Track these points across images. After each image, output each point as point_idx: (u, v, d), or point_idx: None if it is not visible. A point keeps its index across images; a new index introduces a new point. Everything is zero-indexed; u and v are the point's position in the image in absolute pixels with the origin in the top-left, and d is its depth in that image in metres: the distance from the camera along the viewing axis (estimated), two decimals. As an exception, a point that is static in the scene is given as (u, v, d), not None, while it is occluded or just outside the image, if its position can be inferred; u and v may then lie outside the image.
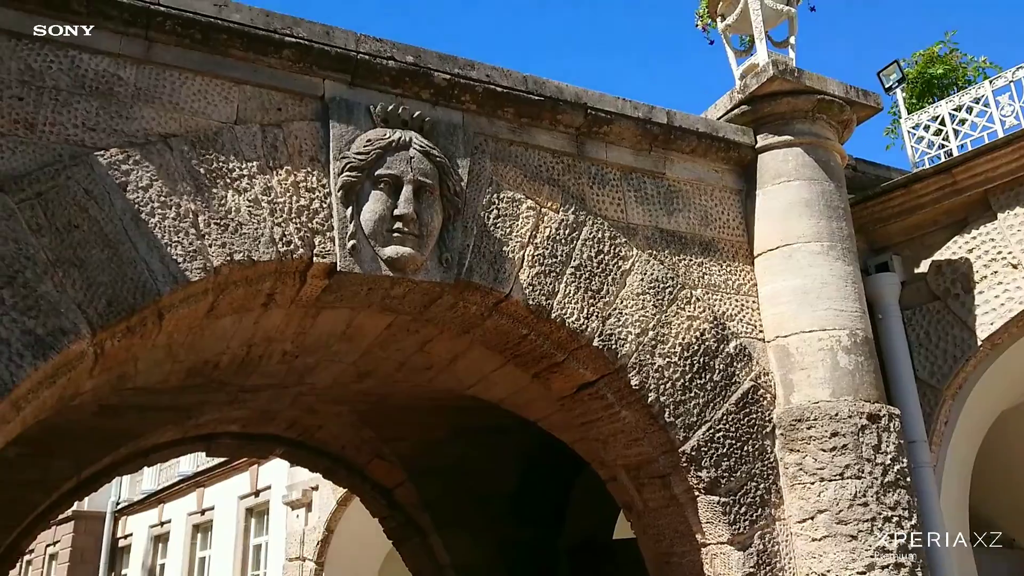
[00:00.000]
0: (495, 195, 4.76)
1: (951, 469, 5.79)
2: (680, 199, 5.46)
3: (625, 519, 5.88)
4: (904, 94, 9.27)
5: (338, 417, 7.88)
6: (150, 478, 20.48)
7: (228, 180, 4.10)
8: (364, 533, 11.00)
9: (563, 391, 5.21)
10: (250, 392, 6.72)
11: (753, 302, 5.44)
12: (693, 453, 4.87)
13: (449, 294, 4.62)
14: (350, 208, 4.32)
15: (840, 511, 4.81)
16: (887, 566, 4.73)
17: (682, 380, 4.97)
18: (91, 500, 19.02)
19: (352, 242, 4.28)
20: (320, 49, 4.42)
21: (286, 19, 4.38)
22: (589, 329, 4.81)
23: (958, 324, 5.70)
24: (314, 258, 4.22)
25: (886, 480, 4.90)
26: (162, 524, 20.21)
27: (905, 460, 5.07)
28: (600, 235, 5.02)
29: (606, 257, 5.00)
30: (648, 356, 4.92)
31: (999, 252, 5.61)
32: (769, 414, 5.16)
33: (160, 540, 20.56)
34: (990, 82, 7.26)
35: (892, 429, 5.05)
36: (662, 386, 4.90)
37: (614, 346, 4.85)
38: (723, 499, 4.84)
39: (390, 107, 4.51)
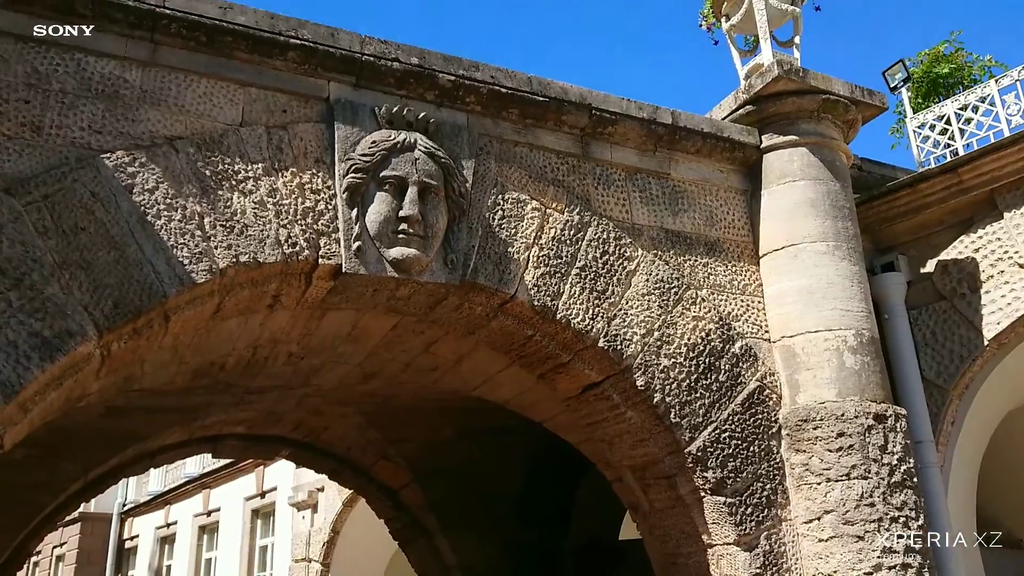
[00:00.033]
0: (500, 196, 4.76)
1: (958, 469, 5.78)
2: (685, 199, 5.45)
3: (631, 520, 5.87)
4: (909, 93, 9.24)
5: (344, 418, 7.89)
6: (156, 480, 20.54)
7: (234, 182, 4.11)
8: (370, 534, 11.01)
9: (569, 392, 5.21)
10: (256, 393, 6.73)
11: (759, 302, 5.43)
12: (699, 454, 4.86)
13: (454, 295, 4.62)
14: (355, 210, 4.32)
15: (847, 511, 4.79)
16: (894, 566, 4.72)
17: (688, 381, 4.96)
18: (98, 502, 19.11)
19: (357, 243, 4.28)
20: (325, 51, 4.42)
21: (291, 21, 4.39)
22: (594, 330, 4.80)
23: (964, 324, 5.69)
24: (319, 260, 4.23)
25: (893, 480, 4.89)
26: (168, 525, 20.26)
27: (912, 460, 5.06)
28: (605, 236, 5.02)
29: (611, 258, 4.99)
30: (654, 357, 4.91)
31: (1005, 251, 5.59)
32: (775, 414, 5.15)
33: (166, 541, 20.61)
34: (996, 81, 7.24)
35: (899, 429, 5.04)
36: (668, 387, 4.90)
37: (619, 347, 4.84)
38: (729, 500, 4.84)
39: (395, 108, 4.52)
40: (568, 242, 4.89)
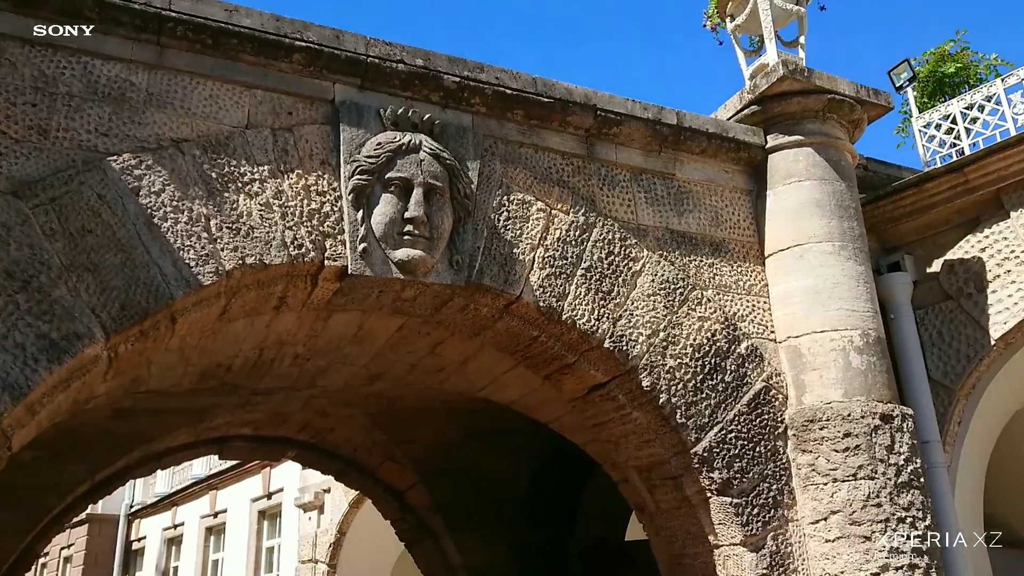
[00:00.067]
0: (505, 197, 4.77)
1: (965, 470, 5.76)
2: (690, 200, 5.45)
3: (637, 520, 5.87)
4: (915, 93, 9.22)
5: (350, 420, 7.90)
6: (163, 481, 20.60)
7: (240, 184, 4.12)
8: (376, 535, 11.01)
9: (574, 393, 5.21)
10: (262, 395, 6.74)
11: (764, 302, 5.42)
12: (705, 454, 4.86)
13: (460, 296, 4.63)
14: (361, 211, 4.33)
15: (853, 512, 4.78)
16: (901, 567, 4.71)
17: (693, 381, 4.96)
18: (105, 503, 19.16)
19: (363, 245, 4.29)
20: (330, 53, 4.43)
21: (296, 23, 4.41)
22: (600, 330, 4.80)
23: (971, 324, 5.67)
24: (325, 261, 4.24)
25: (900, 481, 4.88)
26: (175, 527, 20.31)
27: (919, 460, 5.05)
28: (610, 236, 5.02)
29: (616, 258, 4.99)
30: (659, 357, 4.91)
31: (1012, 251, 5.58)
32: (781, 415, 5.14)
33: (173, 543, 20.67)
34: (1002, 80, 7.22)
35: (905, 429, 5.03)
36: (673, 387, 4.89)
37: (625, 347, 4.84)
38: (735, 500, 4.83)
39: (400, 110, 4.52)
40: (573, 243, 4.89)
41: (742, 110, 5.67)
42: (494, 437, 8.12)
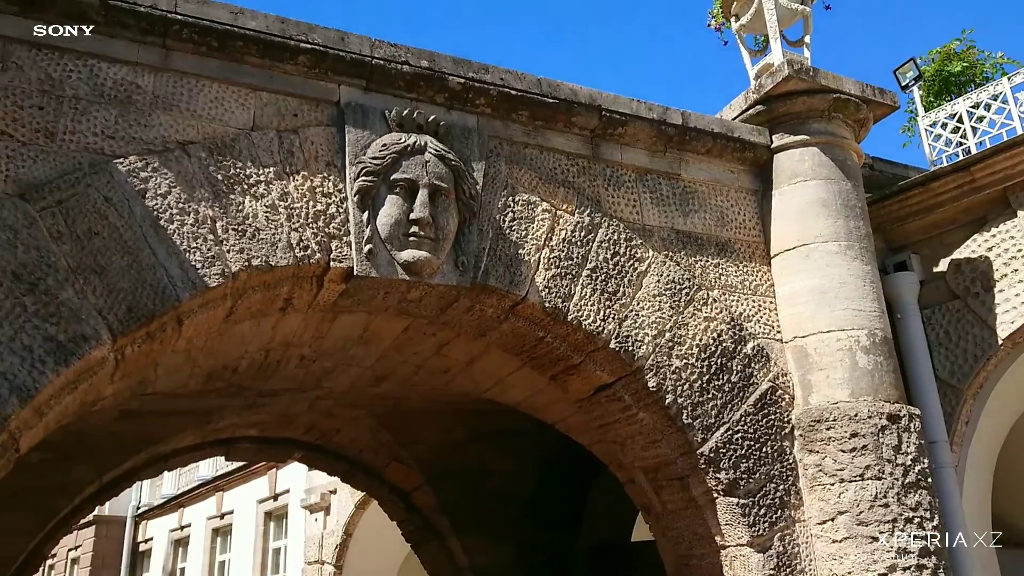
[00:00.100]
0: (510, 198, 4.77)
1: (972, 469, 5.74)
2: (696, 200, 5.44)
3: (644, 521, 5.86)
4: (921, 92, 9.20)
5: (355, 421, 7.91)
6: (170, 483, 20.65)
7: (245, 186, 4.13)
8: (382, 536, 11.02)
9: (580, 393, 5.21)
10: (268, 396, 6.75)
11: (770, 303, 5.41)
12: (711, 455, 4.85)
13: (465, 297, 4.63)
14: (366, 212, 4.34)
15: (861, 512, 4.77)
16: (909, 567, 4.69)
17: (699, 381, 4.95)
18: (112, 505, 19.23)
19: (368, 246, 4.30)
20: (335, 55, 4.44)
21: (301, 25, 4.41)
22: (606, 331, 4.80)
23: (978, 323, 5.65)
24: (331, 263, 4.24)
25: (907, 481, 4.86)
26: (182, 528, 20.36)
27: (926, 461, 5.03)
28: (616, 237, 5.02)
29: (622, 259, 4.99)
30: (665, 358, 4.90)
31: (1020, 250, 5.56)
32: (788, 415, 5.13)
33: (180, 544, 20.72)
34: (1008, 78, 7.20)
35: (912, 429, 5.02)
36: (679, 388, 4.89)
37: (631, 348, 4.84)
38: (742, 501, 4.82)
39: (405, 111, 4.53)
40: (579, 243, 4.89)
41: (747, 110, 5.66)
42: (500, 438, 8.12)
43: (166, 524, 21.19)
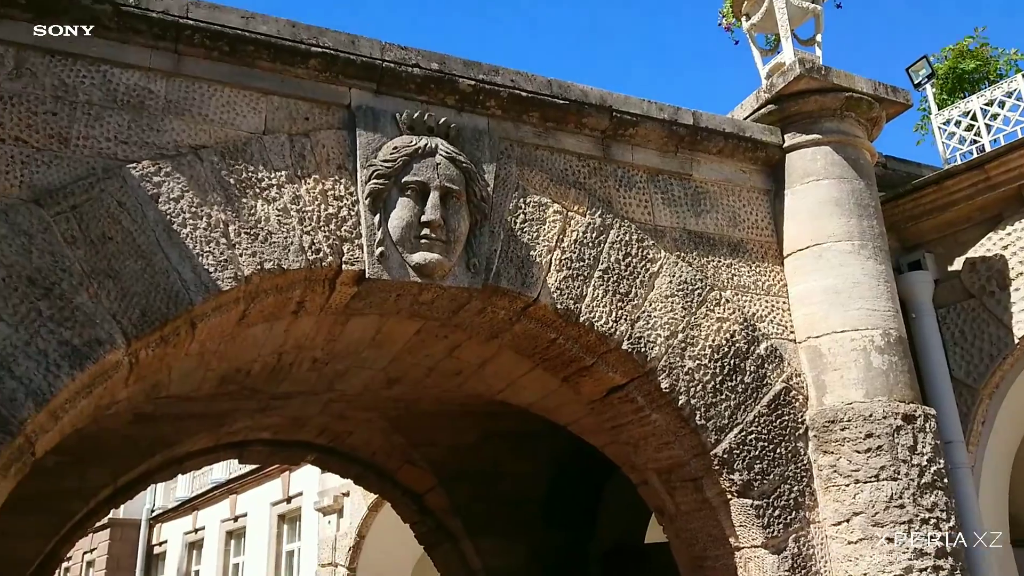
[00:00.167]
0: (521, 200, 4.76)
1: (989, 469, 5.70)
2: (708, 200, 5.42)
3: (657, 523, 5.85)
4: (934, 90, 9.15)
5: (368, 423, 7.92)
6: (184, 485, 20.75)
7: (257, 190, 4.15)
8: (396, 538, 11.04)
9: (593, 395, 5.20)
10: (281, 399, 6.77)
11: (783, 303, 5.39)
12: (725, 456, 4.83)
13: (477, 299, 4.63)
14: (378, 215, 4.35)
15: (876, 513, 4.74)
16: (925, 569, 4.66)
17: (713, 382, 4.93)
18: (127, 508, 19.33)
19: (380, 249, 4.30)
20: (346, 58, 4.45)
21: (312, 29, 4.43)
22: (618, 332, 4.79)
23: (994, 322, 5.61)
24: (343, 265, 4.25)
25: (923, 481, 4.83)
26: (196, 531, 20.46)
27: (942, 461, 4.99)
28: (627, 238, 5.01)
29: (634, 260, 4.98)
30: (678, 359, 4.89)
31: (1035, 248, 5.51)
32: (802, 416, 5.10)
33: (194, 547, 20.81)
34: (1022, 75, 7.14)
35: (928, 430, 4.98)
36: (692, 389, 4.87)
37: (643, 349, 4.82)
38: (756, 502, 4.80)
39: (416, 114, 4.53)
40: (590, 245, 4.88)
41: (759, 109, 5.64)
42: (513, 440, 8.12)
43: (180, 527, 21.30)
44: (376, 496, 10.63)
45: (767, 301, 5.34)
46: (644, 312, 4.90)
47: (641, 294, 4.93)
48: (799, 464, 4.99)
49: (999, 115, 7.12)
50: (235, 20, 4.24)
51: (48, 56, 3.91)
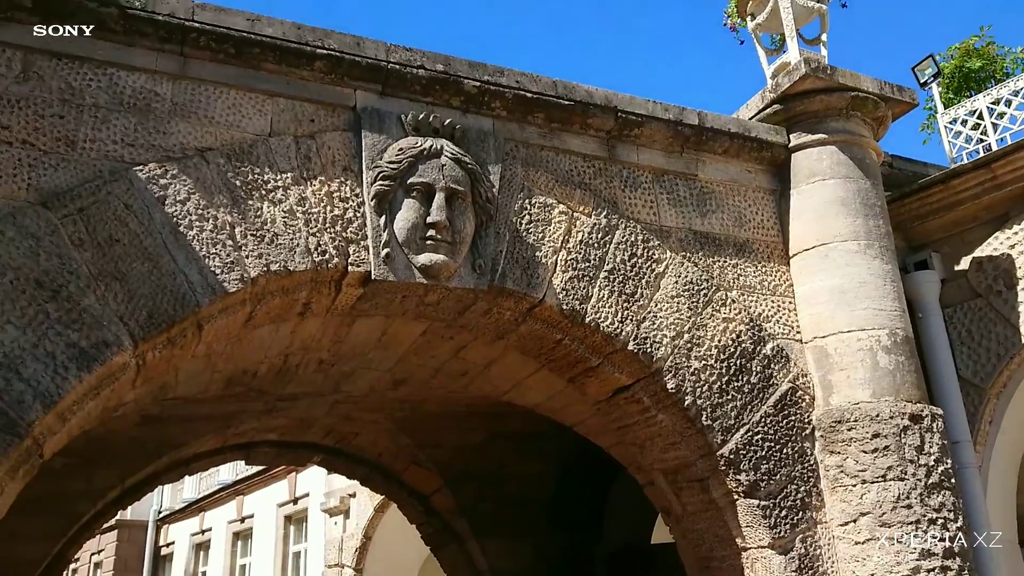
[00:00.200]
0: (527, 200, 4.77)
1: (997, 469, 5.68)
2: (713, 200, 5.42)
3: (663, 523, 5.84)
4: (940, 89, 9.12)
5: (374, 424, 7.93)
6: (191, 487, 20.79)
7: (263, 192, 4.16)
8: (402, 539, 11.05)
9: (599, 395, 5.19)
10: (287, 400, 6.79)
11: (789, 303, 5.38)
12: (731, 456, 4.82)
13: (483, 300, 4.63)
14: (383, 217, 4.35)
15: (883, 513, 4.73)
16: (933, 569, 4.64)
17: (719, 383, 4.93)
18: (134, 509, 19.33)
19: (386, 250, 4.31)
20: (351, 60, 4.46)
21: (317, 31, 4.44)
22: (624, 333, 4.79)
23: (1001, 321, 5.59)
24: (349, 267, 4.26)
25: (930, 481, 4.82)
26: (203, 532, 20.50)
27: (949, 461, 4.98)
28: (633, 238, 5.00)
29: (639, 260, 4.98)
30: (684, 359, 4.89)
31: (1042, 247, 5.49)
32: (808, 416, 5.09)
33: (201, 548, 20.86)
34: (1029, 74, 7.12)
35: (935, 430, 4.97)
36: (698, 389, 4.86)
37: (649, 349, 4.82)
38: (763, 502, 4.79)
39: (421, 115, 4.54)
40: (596, 245, 4.88)
41: (764, 109, 5.63)
42: (519, 441, 8.12)
43: (187, 528, 21.34)
44: (382, 497, 10.64)
45: (773, 301, 5.33)
46: (650, 313, 4.90)
47: (647, 295, 4.93)
48: (806, 464, 4.98)
49: (1006, 114, 7.10)
50: (241, 22, 4.25)
51: (55, 59, 3.93)
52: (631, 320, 4.83)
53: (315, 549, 14.81)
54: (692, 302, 5.03)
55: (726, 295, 5.16)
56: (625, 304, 4.84)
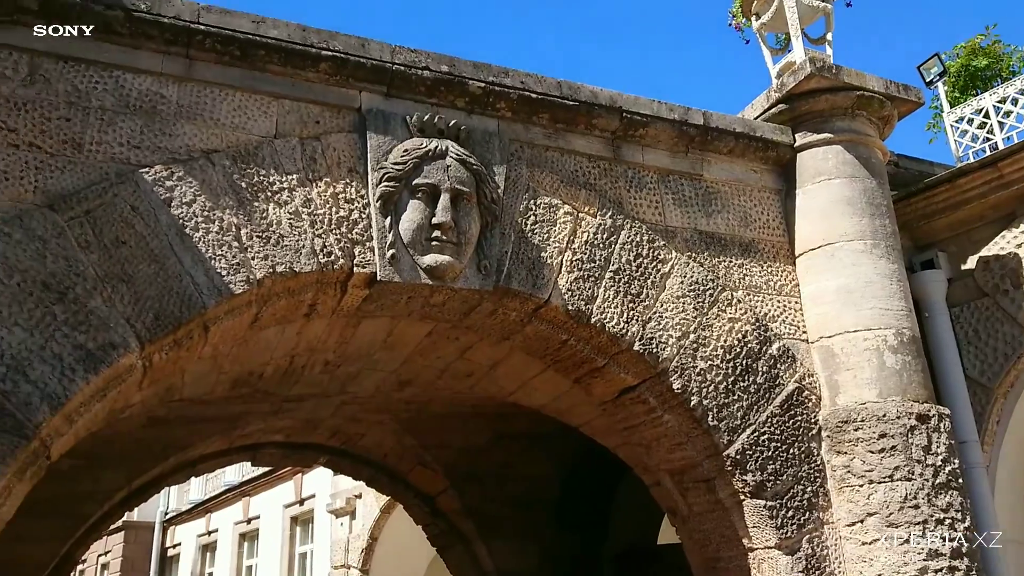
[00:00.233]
0: (532, 201, 4.77)
1: (1004, 469, 5.66)
2: (719, 200, 5.41)
3: (670, 524, 5.83)
4: (946, 88, 9.11)
5: (380, 425, 7.93)
6: (197, 488, 20.84)
7: (269, 193, 4.17)
8: (408, 540, 11.05)
9: (604, 396, 5.19)
10: (294, 402, 6.80)
11: (795, 303, 5.37)
12: (738, 457, 4.82)
13: (488, 301, 4.63)
14: (389, 218, 4.36)
15: (890, 514, 4.72)
16: (940, 570, 4.63)
17: (725, 383, 4.92)
18: (141, 510, 19.37)
19: (391, 251, 4.31)
20: (356, 61, 4.47)
21: (322, 33, 4.44)
22: (629, 333, 4.78)
23: (1008, 321, 5.57)
24: (354, 268, 4.26)
25: (937, 482, 4.80)
26: (209, 533, 20.54)
27: (956, 461, 4.96)
28: (638, 239, 5.00)
29: (645, 260, 4.97)
30: (690, 359, 4.88)
31: (1050, 246, 5.47)
32: (815, 416, 5.08)
33: (208, 549, 20.90)
34: (1035, 72, 7.10)
35: (942, 429, 4.95)
36: (705, 389, 4.86)
37: (655, 350, 4.82)
38: (769, 503, 4.78)
39: (426, 116, 4.54)
40: (601, 246, 4.88)
41: (769, 109, 5.62)
42: (524, 441, 8.11)
43: (194, 529, 21.39)
44: (388, 498, 10.65)
45: (779, 301, 5.32)
46: (655, 313, 4.89)
47: (652, 295, 4.92)
48: (812, 465, 4.97)
49: (1012, 112, 7.08)
50: (246, 25, 4.26)
51: (61, 62, 3.94)
52: (637, 320, 4.82)
53: (321, 550, 14.82)
54: (698, 302, 5.02)
55: (732, 295, 5.15)
56: (631, 304, 4.84)
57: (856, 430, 4.90)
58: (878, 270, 5.22)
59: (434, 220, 4.35)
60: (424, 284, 4.39)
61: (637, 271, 4.93)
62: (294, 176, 4.25)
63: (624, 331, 4.77)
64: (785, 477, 4.86)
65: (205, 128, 4.16)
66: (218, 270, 3.93)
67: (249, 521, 18.54)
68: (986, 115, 7.21)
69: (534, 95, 4.86)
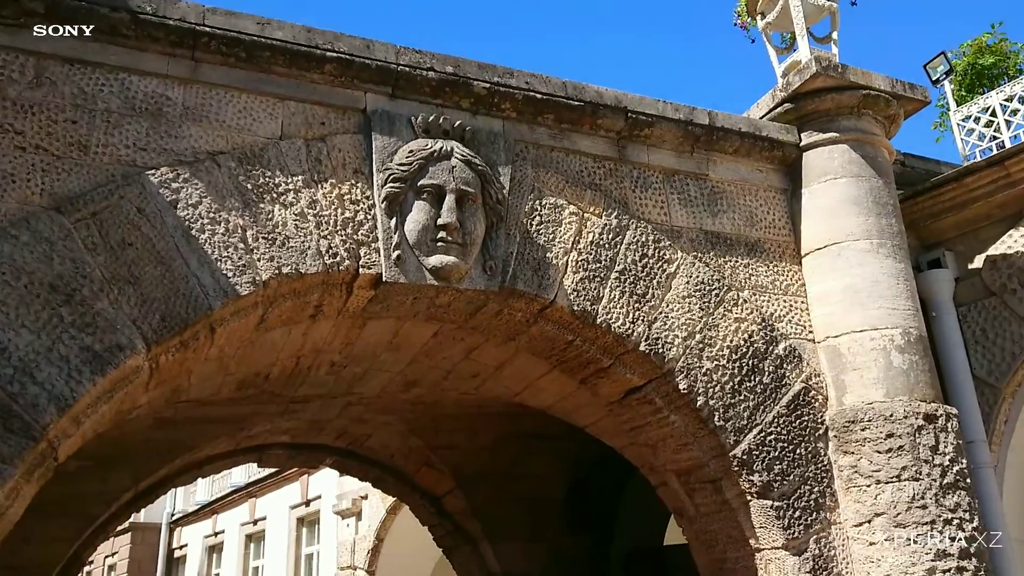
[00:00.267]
0: (537, 202, 4.76)
1: (1012, 469, 5.64)
2: (724, 200, 5.40)
3: (676, 525, 5.82)
4: (952, 86, 9.07)
5: (386, 426, 7.94)
6: (204, 489, 20.88)
7: (275, 195, 4.17)
8: (414, 541, 11.05)
9: (611, 396, 5.18)
10: (300, 403, 6.80)
11: (802, 302, 5.35)
12: (744, 457, 4.80)
13: (494, 302, 4.63)
14: (394, 219, 4.36)
15: (898, 514, 4.70)
16: (948, 570, 4.61)
17: (731, 383, 4.91)
18: (147, 511, 19.44)
19: (397, 252, 4.31)
20: (361, 63, 4.47)
21: (327, 34, 4.45)
22: (635, 333, 4.78)
23: (1016, 320, 5.55)
24: (360, 269, 4.27)
25: (945, 482, 4.78)
26: (216, 534, 20.58)
27: (964, 461, 4.94)
28: (644, 239, 4.99)
29: (650, 261, 4.96)
30: (696, 359, 4.87)
31: (1057, 245, 5.45)
32: (821, 416, 5.07)
33: (214, 550, 20.94)
34: (1042, 71, 7.07)
35: (950, 429, 4.93)
36: (711, 389, 4.85)
37: (661, 350, 4.81)
38: (776, 503, 4.77)
39: (431, 117, 4.55)
40: (607, 246, 4.87)
41: (775, 108, 5.61)
42: (531, 442, 8.11)
43: (200, 530, 21.43)
44: (394, 499, 10.65)
45: (785, 301, 5.31)
46: (661, 313, 4.88)
47: (658, 295, 4.92)
48: (819, 465, 4.96)
49: (1019, 110, 7.05)
50: (251, 26, 4.27)
51: (67, 64, 3.95)
52: (642, 321, 4.82)
53: (327, 551, 14.84)
54: (704, 302, 5.01)
55: (738, 295, 5.14)
56: (636, 305, 4.83)
57: (863, 430, 4.88)
58: (885, 269, 5.20)
59: (439, 221, 4.35)
60: (430, 285, 4.39)
61: (643, 271, 4.92)
62: (299, 177, 4.25)
63: (630, 331, 4.77)
64: (792, 477, 4.85)
65: (211, 130, 4.17)
66: (224, 271, 3.93)
67: (255, 522, 18.58)
68: (993, 113, 7.18)
69: (539, 95, 4.86)
